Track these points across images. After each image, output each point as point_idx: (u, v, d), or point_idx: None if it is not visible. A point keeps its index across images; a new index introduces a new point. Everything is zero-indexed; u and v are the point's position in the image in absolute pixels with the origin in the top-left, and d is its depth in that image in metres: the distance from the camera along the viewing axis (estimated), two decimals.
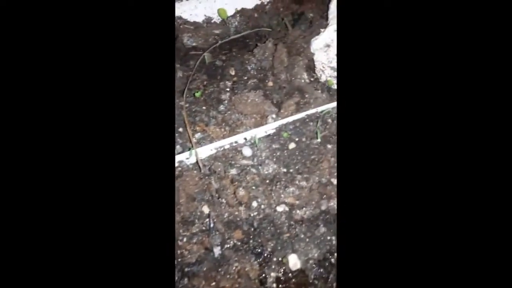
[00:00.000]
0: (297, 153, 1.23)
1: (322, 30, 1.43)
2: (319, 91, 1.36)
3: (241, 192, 1.11)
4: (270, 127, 1.25)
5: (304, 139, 1.26)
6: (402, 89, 0.62)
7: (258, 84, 1.35)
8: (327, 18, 1.46)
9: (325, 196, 1.19)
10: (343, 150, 0.65)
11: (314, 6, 1.58)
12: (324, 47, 1.34)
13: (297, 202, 1.15)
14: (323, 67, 1.36)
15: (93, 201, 0.58)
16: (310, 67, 1.40)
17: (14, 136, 0.55)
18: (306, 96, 1.34)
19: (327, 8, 1.46)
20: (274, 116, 1.27)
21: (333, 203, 1.18)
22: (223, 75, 1.37)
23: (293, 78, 1.37)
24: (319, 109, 1.29)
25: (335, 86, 1.37)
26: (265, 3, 1.61)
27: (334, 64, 1.34)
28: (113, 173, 0.59)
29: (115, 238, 0.58)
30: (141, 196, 0.59)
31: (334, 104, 1.31)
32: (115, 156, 0.59)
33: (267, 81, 1.36)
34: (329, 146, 1.26)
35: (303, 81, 1.37)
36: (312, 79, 1.39)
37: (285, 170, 1.21)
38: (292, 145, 1.25)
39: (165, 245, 0.60)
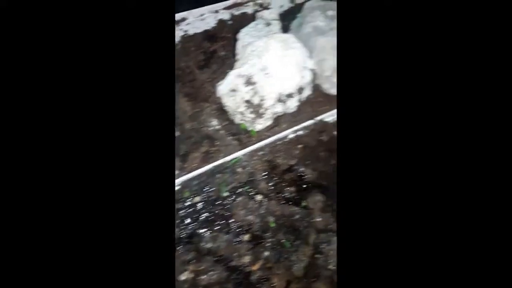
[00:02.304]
0: (203, 211, 1.16)
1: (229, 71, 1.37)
2: (231, 137, 1.30)
3: None
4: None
5: (212, 194, 1.19)
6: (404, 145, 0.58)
7: None
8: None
9: (236, 254, 1.12)
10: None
11: (226, 43, 1.53)
12: (230, 92, 1.28)
13: (202, 267, 1.07)
14: (233, 112, 1.30)
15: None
16: (221, 112, 1.34)
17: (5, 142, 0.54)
18: (217, 143, 1.28)
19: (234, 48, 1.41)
20: (177, 171, 1.19)
21: (243, 261, 1.11)
22: None
23: (201, 126, 1.30)
24: (227, 158, 1.22)
25: (248, 129, 1.31)
26: (176, 43, 1.54)
27: (242, 108, 1.28)
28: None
29: None
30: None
31: (244, 151, 1.25)
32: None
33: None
34: (239, 198, 1.19)
35: (211, 128, 1.30)
36: (224, 124, 1.33)
37: (189, 231, 1.13)
38: (197, 203, 1.17)
39: None
